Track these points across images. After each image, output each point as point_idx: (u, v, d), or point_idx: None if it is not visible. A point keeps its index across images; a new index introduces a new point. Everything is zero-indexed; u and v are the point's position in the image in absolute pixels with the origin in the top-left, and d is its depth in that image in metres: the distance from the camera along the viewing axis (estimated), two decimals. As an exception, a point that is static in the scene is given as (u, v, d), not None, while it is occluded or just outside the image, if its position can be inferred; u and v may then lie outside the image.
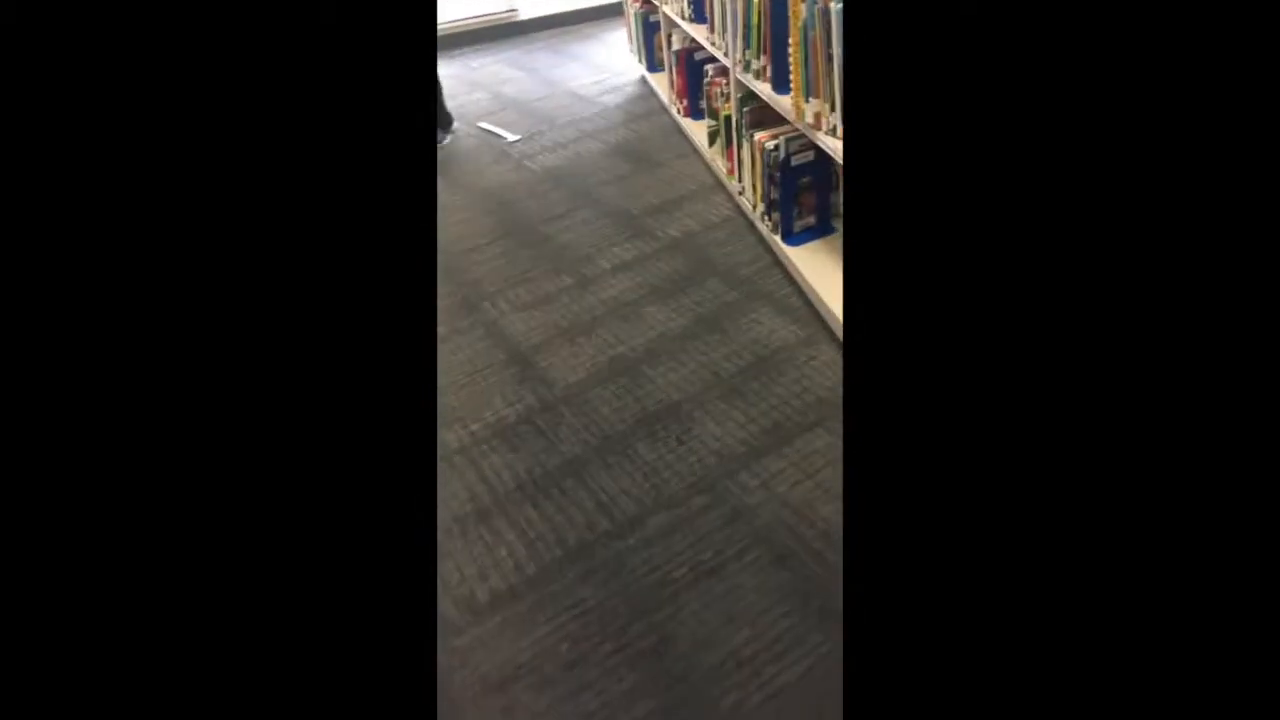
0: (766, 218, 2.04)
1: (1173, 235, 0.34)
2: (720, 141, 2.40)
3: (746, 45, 1.92)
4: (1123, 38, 0.34)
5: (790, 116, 1.73)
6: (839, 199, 2.01)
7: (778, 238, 2.00)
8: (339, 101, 0.39)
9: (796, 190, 1.92)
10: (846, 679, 0.38)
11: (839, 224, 2.04)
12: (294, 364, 0.39)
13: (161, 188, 0.38)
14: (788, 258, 1.93)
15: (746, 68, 1.95)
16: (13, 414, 0.36)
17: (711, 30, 2.25)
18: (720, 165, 2.45)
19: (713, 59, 2.32)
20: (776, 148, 1.89)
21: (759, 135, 1.97)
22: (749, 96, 2.07)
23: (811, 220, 1.99)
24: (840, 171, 1.88)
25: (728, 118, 2.26)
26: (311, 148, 0.39)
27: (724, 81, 2.28)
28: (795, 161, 1.89)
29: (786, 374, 1.61)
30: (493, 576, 1.26)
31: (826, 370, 1.57)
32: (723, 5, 2.05)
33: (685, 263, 2.06)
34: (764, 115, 2.04)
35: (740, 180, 2.23)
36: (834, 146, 1.54)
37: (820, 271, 1.79)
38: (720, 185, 2.47)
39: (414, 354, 0.40)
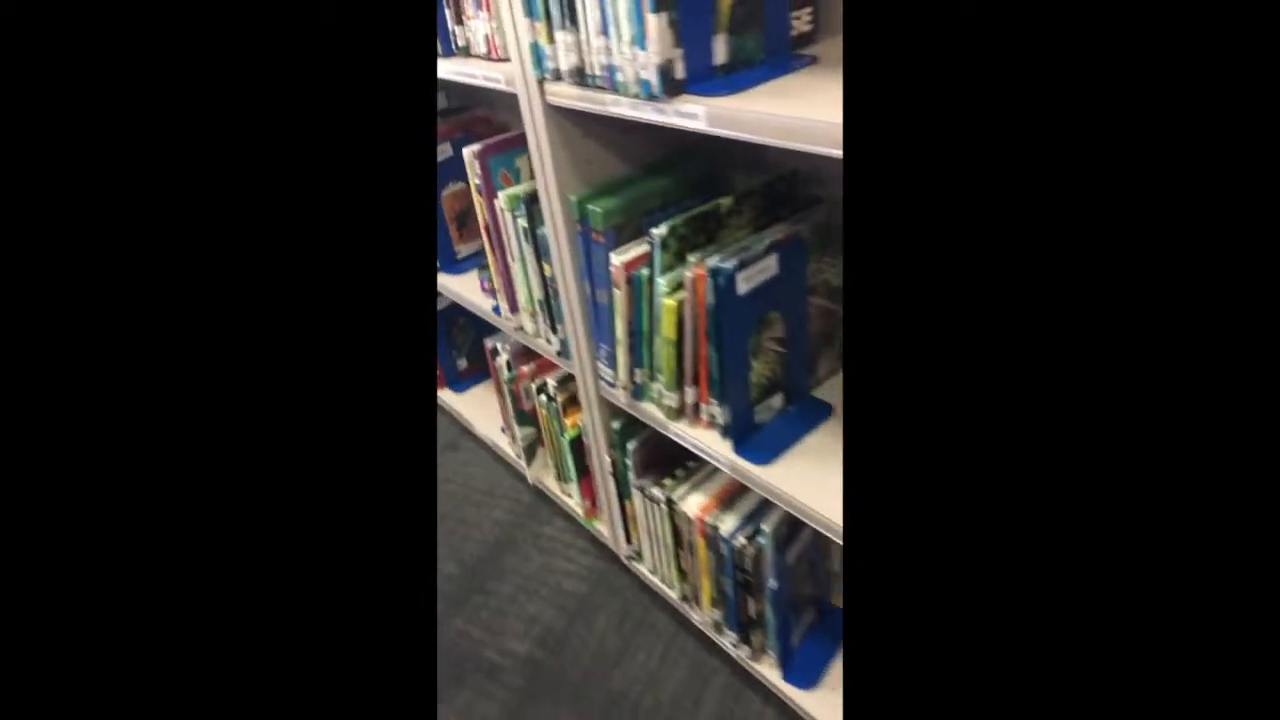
0: (736, 638, 1.12)
1: (1172, 251, 0.33)
2: (552, 462, 1.44)
3: (638, 362, 1.02)
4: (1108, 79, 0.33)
5: (778, 494, 0.86)
6: (837, 582, 1.16)
7: (765, 667, 1.10)
8: (339, 105, 0.39)
9: (789, 592, 1.05)
10: (846, 679, 0.39)
11: (838, 599, 1.18)
12: (294, 364, 0.40)
13: (161, 188, 0.38)
14: (801, 710, 1.04)
15: (640, 393, 1.04)
16: (12, 414, 0.37)
17: (513, 304, 1.29)
18: (556, 489, 1.48)
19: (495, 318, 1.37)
20: (745, 538, 1.00)
21: (690, 502, 1.07)
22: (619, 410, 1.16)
23: (813, 617, 1.13)
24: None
25: (576, 441, 1.32)
26: (310, 150, 0.39)
27: (545, 376, 1.34)
28: (789, 556, 1.01)
29: None
30: None
31: None
32: (563, 274, 1.12)
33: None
34: (662, 451, 1.14)
35: (633, 542, 1.29)
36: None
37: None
38: (553, 516, 1.49)
39: (414, 353, 0.41)
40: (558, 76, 0.86)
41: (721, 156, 1.11)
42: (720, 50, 0.75)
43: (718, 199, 0.93)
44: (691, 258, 0.87)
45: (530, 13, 0.84)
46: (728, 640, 1.14)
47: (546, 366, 1.40)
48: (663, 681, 1.19)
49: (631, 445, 1.15)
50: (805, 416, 0.97)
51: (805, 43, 0.85)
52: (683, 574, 1.17)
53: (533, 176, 1.14)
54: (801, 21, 0.83)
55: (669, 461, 1.17)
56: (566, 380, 1.32)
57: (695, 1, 0.71)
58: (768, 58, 0.80)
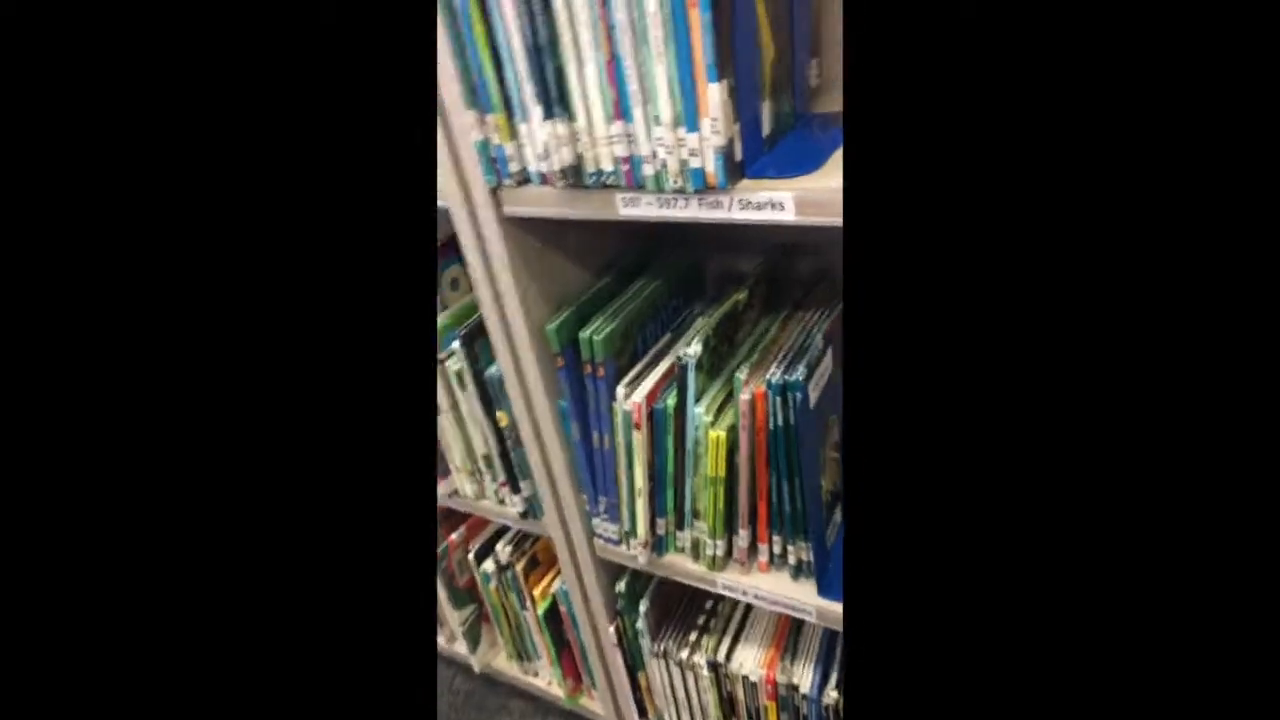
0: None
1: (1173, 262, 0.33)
2: (507, 640, 1.15)
3: (659, 510, 0.80)
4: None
5: None
6: None
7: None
8: (337, 108, 0.38)
9: None
10: (847, 678, 0.39)
11: None
12: (293, 365, 0.39)
13: (160, 190, 0.37)
14: None
15: (663, 546, 0.82)
16: (12, 415, 0.37)
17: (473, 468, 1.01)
18: (515, 671, 1.20)
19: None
20: (837, 690, 0.82)
21: (743, 660, 0.86)
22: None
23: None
24: None
25: (550, 612, 1.05)
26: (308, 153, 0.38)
27: (475, 539, 1.06)
28: None
29: None
30: None
31: None
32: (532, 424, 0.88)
33: None
34: (671, 597, 0.94)
35: (651, 717, 1.04)
36: None
37: None
38: (509, 698, 1.21)
39: (413, 353, 0.40)
40: (525, 180, 0.64)
41: (696, 244, 0.95)
42: (767, 119, 0.59)
43: (734, 295, 0.76)
44: (739, 374, 0.69)
45: (476, 103, 0.62)
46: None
47: (478, 526, 1.12)
48: None
49: (644, 606, 0.92)
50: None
51: (816, 99, 0.72)
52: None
53: (467, 298, 0.90)
54: (813, 75, 0.70)
55: (683, 608, 0.97)
56: (522, 541, 1.06)
57: (747, 62, 0.55)
58: (797, 123, 0.66)
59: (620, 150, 0.57)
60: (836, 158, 0.57)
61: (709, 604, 0.96)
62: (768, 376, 0.67)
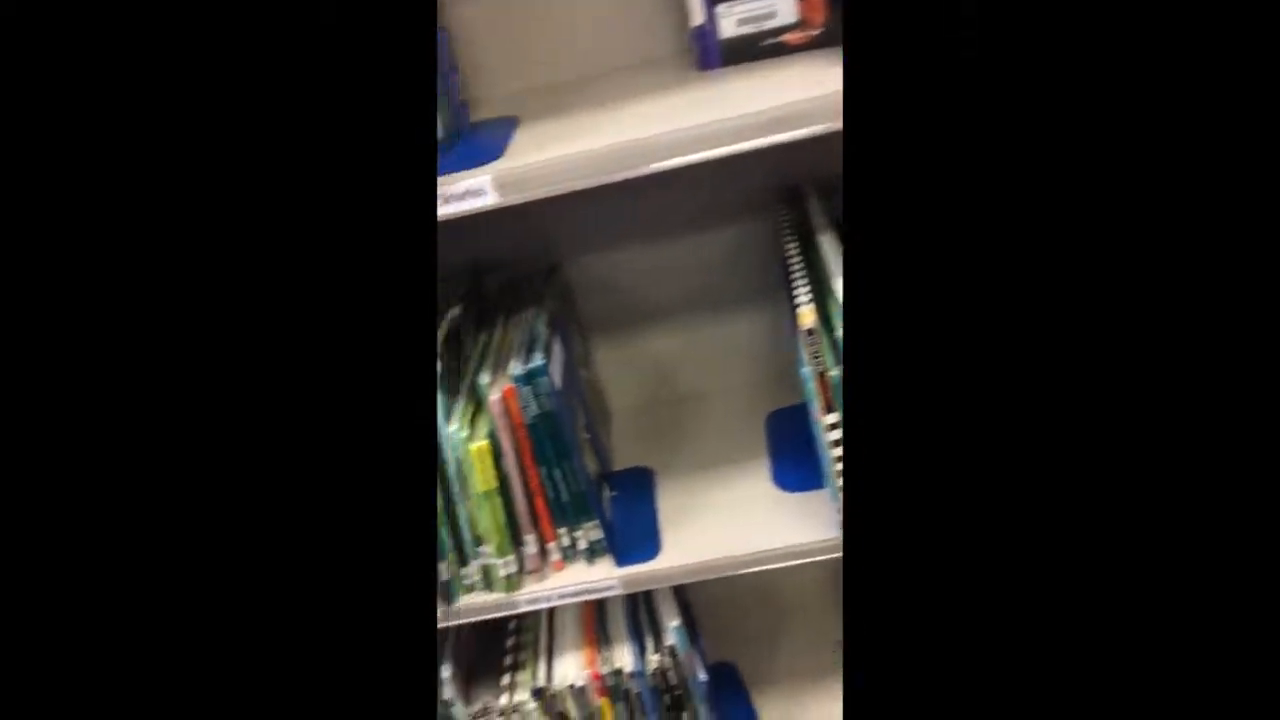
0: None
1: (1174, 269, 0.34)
2: None
3: (440, 555, 0.74)
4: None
5: (692, 571, 0.76)
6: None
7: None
8: (337, 109, 0.38)
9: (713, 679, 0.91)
10: (847, 678, 0.38)
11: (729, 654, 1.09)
12: (293, 366, 0.39)
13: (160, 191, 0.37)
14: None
15: (452, 592, 0.77)
16: (12, 415, 0.37)
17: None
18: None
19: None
20: (656, 653, 0.84)
21: (564, 671, 0.83)
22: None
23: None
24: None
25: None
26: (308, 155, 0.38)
27: None
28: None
29: None
30: None
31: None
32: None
33: None
34: (468, 645, 0.89)
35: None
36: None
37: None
38: None
39: (413, 353, 0.40)
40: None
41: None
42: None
43: (448, 313, 0.76)
44: (482, 378, 0.69)
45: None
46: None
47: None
48: None
49: (445, 672, 0.86)
50: (636, 490, 0.87)
51: (474, 111, 0.76)
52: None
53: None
54: (458, 91, 0.73)
55: (485, 652, 0.92)
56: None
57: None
58: (461, 138, 0.69)
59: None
60: (517, 144, 0.62)
61: (510, 636, 0.93)
62: (510, 372, 0.69)
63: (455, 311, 0.77)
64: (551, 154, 0.57)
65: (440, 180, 0.57)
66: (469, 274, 0.89)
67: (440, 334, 0.74)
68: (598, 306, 0.95)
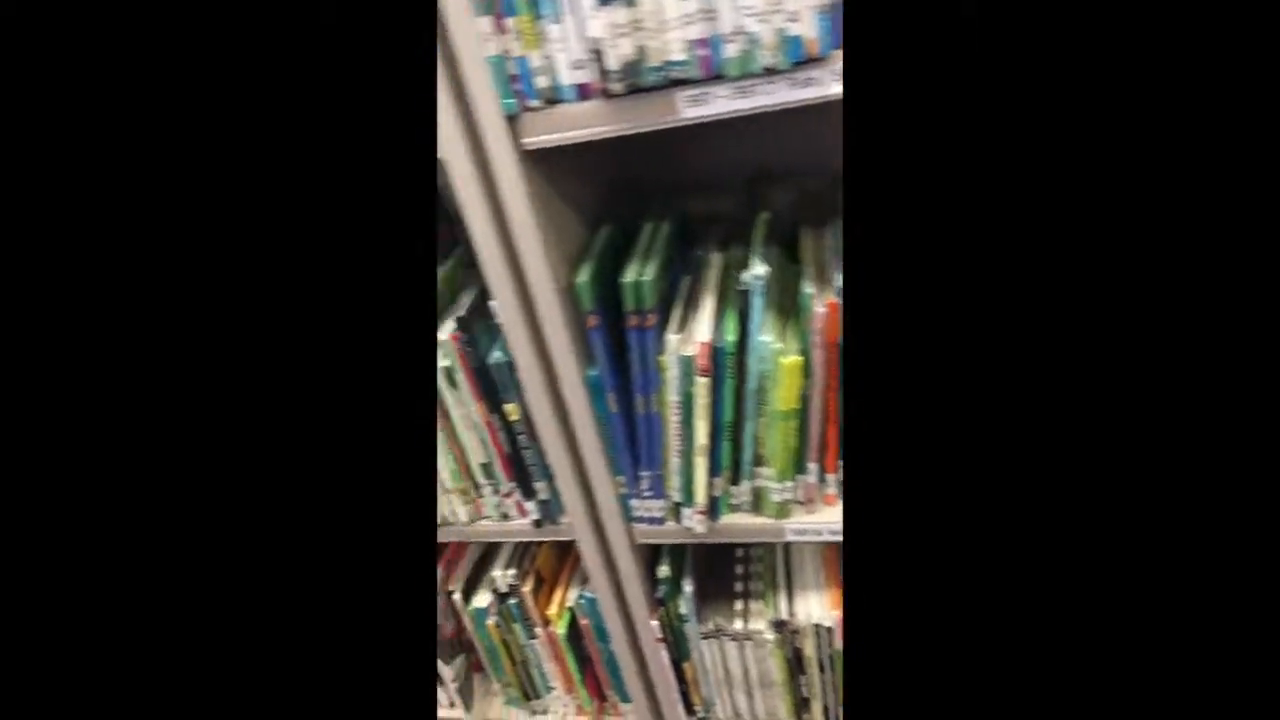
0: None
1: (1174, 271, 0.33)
2: (511, 681, 0.98)
3: (715, 470, 0.71)
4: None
5: None
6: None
7: None
8: (337, 110, 0.37)
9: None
10: (847, 679, 0.39)
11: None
12: (292, 366, 0.38)
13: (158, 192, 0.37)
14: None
15: (718, 508, 0.74)
16: (12, 416, 0.36)
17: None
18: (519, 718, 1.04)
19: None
20: None
21: (808, 610, 0.79)
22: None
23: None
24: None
25: (572, 628, 0.91)
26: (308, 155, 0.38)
27: (456, 569, 0.90)
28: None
29: None
30: None
31: None
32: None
33: None
34: (699, 568, 0.86)
35: (698, 709, 0.94)
36: None
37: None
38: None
39: (414, 352, 0.39)
40: (554, 99, 0.54)
41: (654, 193, 0.87)
42: (826, -8, 0.55)
43: (759, 218, 0.71)
44: (807, 288, 0.64)
45: (491, 5, 0.51)
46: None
47: (454, 562, 0.96)
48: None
49: (688, 587, 0.84)
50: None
51: None
52: (804, 704, 0.89)
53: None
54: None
55: (714, 573, 0.90)
56: (520, 559, 0.92)
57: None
58: None
59: (696, 32, 0.49)
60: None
61: (739, 565, 0.90)
62: (837, 284, 0.63)
63: (766, 214, 0.71)
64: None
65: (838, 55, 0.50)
66: (745, 190, 0.83)
67: (759, 235, 0.69)
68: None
